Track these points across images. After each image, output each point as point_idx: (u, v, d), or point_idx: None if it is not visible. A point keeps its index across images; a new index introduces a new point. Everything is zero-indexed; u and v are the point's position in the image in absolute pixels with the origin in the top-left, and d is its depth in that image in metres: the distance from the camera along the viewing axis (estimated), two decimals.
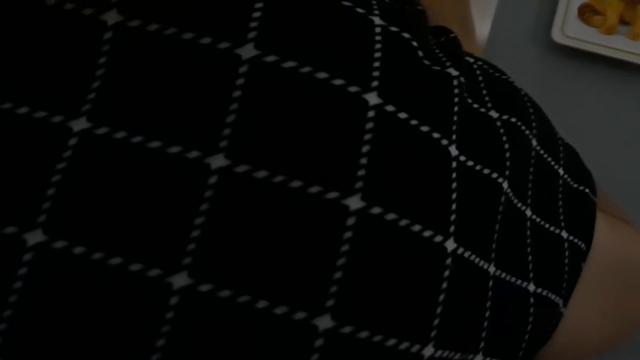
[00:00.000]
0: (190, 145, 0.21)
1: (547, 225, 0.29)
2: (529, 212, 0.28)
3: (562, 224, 0.30)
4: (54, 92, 0.21)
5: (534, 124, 0.29)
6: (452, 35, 0.29)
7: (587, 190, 0.33)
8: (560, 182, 0.31)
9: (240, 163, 0.21)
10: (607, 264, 0.33)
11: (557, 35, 0.58)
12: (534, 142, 0.29)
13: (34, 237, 0.20)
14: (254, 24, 0.22)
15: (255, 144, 0.21)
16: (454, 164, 0.24)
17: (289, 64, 0.22)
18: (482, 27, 0.59)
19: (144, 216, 0.21)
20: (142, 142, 0.21)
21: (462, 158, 0.24)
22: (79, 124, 0.21)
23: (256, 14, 0.22)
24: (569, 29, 0.58)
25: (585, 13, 0.58)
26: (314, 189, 0.21)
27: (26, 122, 0.21)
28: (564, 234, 0.30)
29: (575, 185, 0.32)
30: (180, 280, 0.20)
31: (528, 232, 0.28)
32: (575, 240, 0.31)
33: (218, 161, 0.21)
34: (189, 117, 0.21)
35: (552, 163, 0.31)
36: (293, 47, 0.22)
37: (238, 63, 0.22)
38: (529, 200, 0.28)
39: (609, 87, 0.59)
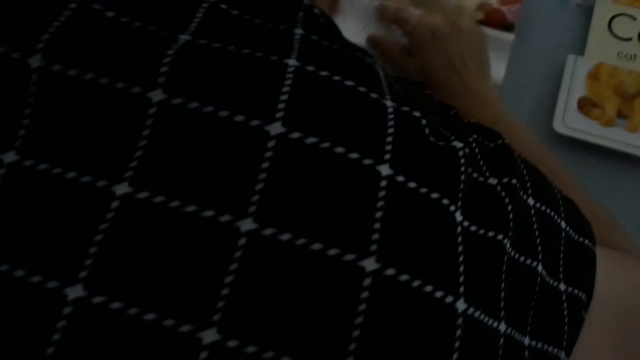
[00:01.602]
0: (222, 209, 0.23)
1: (548, 279, 0.30)
2: (540, 268, 0.29)
3: (561, 276, 0.31)
4: (100, 160, 0.23)
5: (528, 184, 0.31)
6: (453, 112, 0.32)
7: (587, 241, 0.34)
8: (563, 234, 0.32)
9: (267, 227, 0.23)
10: (611, 304, 0.34)
11: (558, 126, 0.60)
12: (531, 200, 0.31)
13: (74, 292, 0.22)
14: (282, 105, 0.25)
15: (280, 210, 0.23)
16: (459, 229, 0.26)
17: (311, 140, 0.24)
18: None
19: (180, 275, 0.22)
20: (178, 206, 0.23)
21: (466, 223, 0.26)
22: (122, 189, 0.23)
23: (284, 97, 0.25)
24: (570, 120, 0.61)
25: (585, 106, 0.61)
26: (333, 252, 0.23)
27: (74, 186, 0.23)
28: (562, 287, 0.31)
29: (576, 237, 0.33)
30: (209, 336, 0.22)
31: (537, 288, 0.29)
32: (575, 292, 0.32)
33: (247, 225, 0.23)
34: (223, 185, 0.23)
35: (554, 216, 0.32)
36: (314, 127, 0.25)
37: (267, 138, 0.24)
38: (539, 256, 0.29)
39: (608, 177, 0.61)
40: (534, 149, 0.49)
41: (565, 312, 0.31)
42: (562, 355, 0.30)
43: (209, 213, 0.23)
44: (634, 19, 0.64)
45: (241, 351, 0.22)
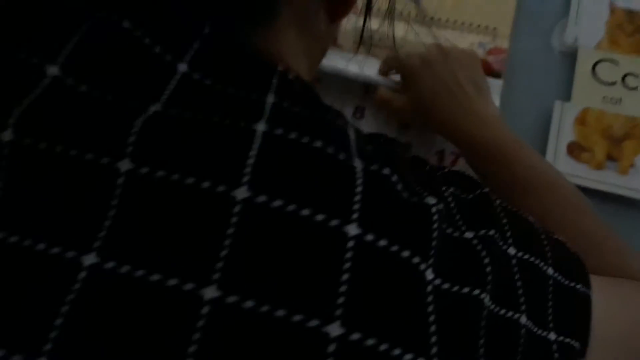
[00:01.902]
0: (186, 277, 0.23)
1: (535, 330, 0.30)
2: (523, 319, 0.29)
3: (550, 325, 0.31)
4: (69, 232, 0.24)
5: (509, 233, 0.31)
6: (428, 167, 0.32)
7: (578, 285, 0.33)
8: (551, 281, 0.32)
9: (231, 294, 0.23)
10: (613, 341, 0.34)
11: None
12: (512, 250, 0.30)
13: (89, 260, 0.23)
14: (248, 169, 0.25)
15: (244, 277, 0.23)
16: (430, 287, 0.25)
17: (277, 203, 0.24)
18: None
19: (144, 345, 0.23)
20: (143, 275, 0.23)
21: (438, 281, 0.26)
22: (89, 259, 0.23)
23: (250, 161, 0.25)
24: (560, 165, 0.61)
25: (574, 150, 0.62)
26: (297, 318, 0.23)
27: (43, 257, 0.23)
28: (552, 336, 0.30)
29: (566, 282, 0.33)
30: None
31: (522, 340, 0.28)
32: (567, 340, 0.31)
33: (211, 293, 0.23)
34: (188, 252, 0.24)
35: (539, 264, 0.32)
36: (280, 189, 0.25)
37: (233, 204, 0.24)
38: (522, 307, 0.29)
39: (603, 220, 0.61)
40: (543, 171, 0.49)
41: None
42: None
43: (173, 281, 0.23)
44: (617, 63, 0.66)
45: None
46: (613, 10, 0.69)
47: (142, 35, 0.27)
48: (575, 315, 0.32)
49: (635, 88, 0.64)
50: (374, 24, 0.39)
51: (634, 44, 0.67)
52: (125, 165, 0.24)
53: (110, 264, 0.23)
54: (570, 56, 0.67)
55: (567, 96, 0.65)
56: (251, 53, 0.29)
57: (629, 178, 0.60)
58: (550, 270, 0.32)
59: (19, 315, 0.23)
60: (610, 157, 0.62)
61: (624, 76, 0.65)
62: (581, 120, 0.63)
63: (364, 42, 0.40)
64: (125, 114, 0.25)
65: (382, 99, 0.62)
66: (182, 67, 0.27)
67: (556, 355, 0.30)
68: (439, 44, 0.57)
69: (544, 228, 0.35)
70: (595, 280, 0.35)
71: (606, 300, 0.34)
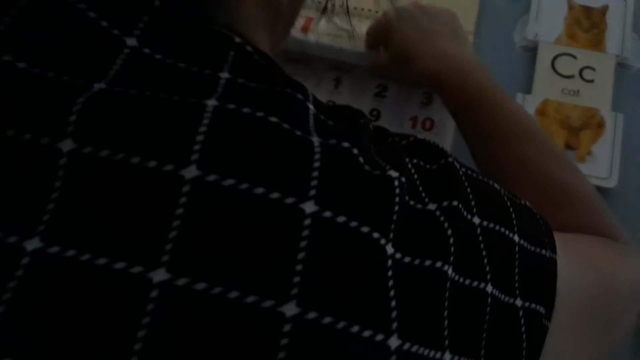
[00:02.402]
0: (133, 260, 0.22)
1: (502, 297, 0.29)
2: (489, 288, 0.28)
3: (517, 292, 0.30)
4: (9, 216, 0.23)
5: (473, 202, 0.30)
6: (391, 139, 0.31)
7: (543, 251, 0.33)
8: (517, 248, 0.31)
9: (180, 277, 0.22)
10: (579, 298, 0.34)
11: None
12: (476, 219, 0.30)
13: (33, 245, 0.22)
14: (197, 147, 0.24)
15: (194, 258, 0.22)
16: (389, 262, 0.25)
17: (228, 182, 0.23)
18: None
19: (91, 333, 0.22)
20: (89, 259, 0.22)
21: (398, 255, 0.25)
22: (33, 244, 0.22)
23: (199, 138, 0.24)
24: None
25: None
26: (251, 299, 0.22)
27: None
28: (518, 302, 0.30)
29: (532, 249, 0.32)
30: None
31: (488, 309, 0.28)
32: (533, 306, 0.31)
33: (160, 276, 0.22)
34: (135, 234, 0.23)
35: (505, 231, 0.31)
36: (232, 167, 0.24)
37: (181, 183, 0.23)
38: (488, 276, 0.29)
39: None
40: (522, 119, 0.49)
41: (523, 329, 0.30)
42: None
43: (120, 265, 0.22)
44: (575, 57, 0.69)
45: None
46: (571, 6, 0.72)
47: (86, 9, 0.26)
48: (541, 281, 0.32)
49: (591, 81, 0.68)
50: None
51: (591, 39, 0.70)
52: (67, 145, 0.23)
53: (54, 249, 0.22)
54: (531, 51, 0.70)
55: (528, 89, 0.68)
56: (205, 26, 0.28)
57: (586, 165, 0.63)
58: (515, 238, 0.31)
59: None
60: (568, 146, 0.65)
61: (581, 69, 0.68)
62: (541, 111, 0.66)
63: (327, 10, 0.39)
64: (68, 92, 0.24)
65: (371, 67, 0.62)
66: (131, 42, 0.26)
67: (522, 320, 0.30)
68: (416, 1, 0.58)
69: (510, 193, 0.34)
70: (561, 243, 0.34)
71: (572, 263, 0.34)
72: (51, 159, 0.23)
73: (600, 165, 0.63)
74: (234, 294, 0.22)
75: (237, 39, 0.28)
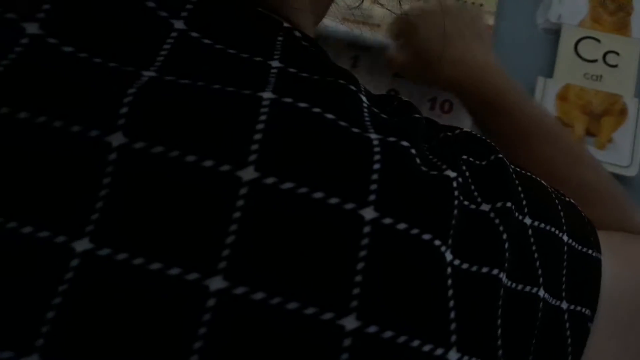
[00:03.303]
0: (189, 267, 0.21)
1: (551, 300, 0.28)
2: (541, 292, 0.27)
3: (563, 294, 0.29)
4: (58, 214, 0.21)
5: (524, 202, 0.29)
6: (442, 134, 0.29)
7: (590, 251, 0.32)
8: (565, 249, 0.30)
9: (238, 285, 0.21)
10: (619, 302, 0.33)
11: None
12: (528, 220, 0.28)
13: (82, 245, 0.21)
14: (255, 146, 0.22)
15: (252, 266, 0.21)
16: (449, 270, 0.24)
17: (287, 185, 0.22)
18: None
19: (144, 342, 0.21)
20: (143, 264, 0.21)
21: (457, 262, 0.24)
22: (82, 245, 0.21)
23: (257, 136, 0.23)
24: None
25: None
26: (310, 311, 0.21)
27: (30, 241, 0.21)
28: (564, 305, 0.29)
29: (580, 248, 0.31)
30: None
31: (540, 314, 0.27)
32: (578, 309, 0.30)
33: (217, 283, 0.21)
34: (190, 239, 0.21)
35: (555, 231, 0.30)
36: (291, 170, 0.22)
37: (239, 185, 0.22)
38: (540, 280, 0.28)
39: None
40: (544, 120, 0.49)
41: (568, 332, 0.29)
42: None
43: (175, 271, 0.21)
44: (599, 41, 0.67)
45: None
46: None
47: None
48: (586, 282, 0.31)
49: (615, 66, 0.66)
50: None
51: (616, 23, 0.68)
52: (117, 139, 0.22)
53: (105, 251, 0.21)
54: (554, 33, 0.69)
55: (549, 73, 0.66)
56: (253, 8, 0.27)
57: (606, 153, 0.62)
58: (565, 237, 0.30)
59: (7, 308, 0.20)
60: (589, 133, 0.64)
61: (605, 54, 0.66)
62: (562, 96, 0.65)
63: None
64: (117, 80, 0.23)
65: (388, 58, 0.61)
66: (179, 25, 0.25)
67: (567, 324, 0.29)
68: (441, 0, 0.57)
69: (555, 189, 0.33)
70: (602, 242, 0.33)
71: (613, 261, 0.33)
72: (100, 153, 0.21)
73: (620, 153, 0.62)
74: (293, 305, 0.21)
75: (286, 24, 0.27)
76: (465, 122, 0.62)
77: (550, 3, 0.70)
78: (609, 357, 0.32)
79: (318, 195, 0.22)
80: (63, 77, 0.22)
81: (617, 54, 0.66)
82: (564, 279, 0.30)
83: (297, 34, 0.27)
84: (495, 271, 0.25)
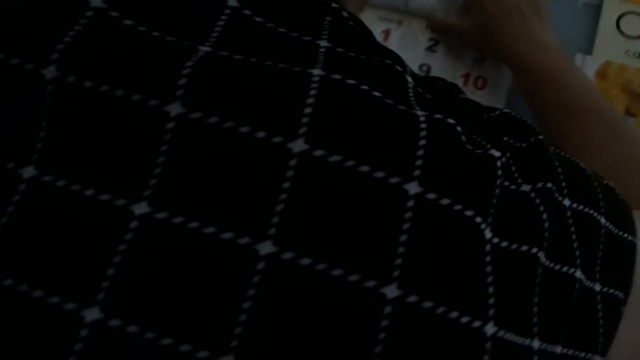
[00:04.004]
0: (241, 231, 0.22)
1: (586, 282, 0.29)
2: (578, 274, 0.28)
3: (597, 275, 0.30)
4: (118, 178, 0.23)
5: (564, 183, 0.29)
6: (489, 114, 0.30)
7: (626, 235, 0.32)
8: (603, 231, 0.31)
9: (287, 251, 0.22)
10: None
11: None
12: (567, 201, 0.29)
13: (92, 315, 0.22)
14: (305, 120, 0.23)
15: (300, 233, 0.23)
16: (488, 247, 0.24)
17: (335, 158, 0.23)
18: None
19: (195, 298, 0.22)
20: (197, 227, 0.22)
21: (496, 240, 0.25)
22: (140, 208, 0.22)
23: (307, 110, 0.24)
24: None
25: None
26: (354, 278, 0.22)
27: (93, 204, 0.22)
28: (597, 287, 0.30)
29: (617, 232, 0.32)
30: None
31: (576, 295, 0.28)
32: (611, 291, 0.30)
33: (267, 248, 0.22)
34: (243, 206, 0.23)
35: (593, 214, 0.30)
36: (339, 143, 0.24)
37: (289, 156, 0.23)
38: (577, 261, 0.28)
39: None
40: (591, 96, 0.50)
41: (600, 314, 0.29)
42: (597, 357, 0.29)
43: (227, 235, 0.22)
44: None
45: None
46: None
47: None
48: (621, 266, 0.32)
49: None
50: None
51: None
52: (175, 109, 0.23)
53: (162, 214, 0.22)
54: (595, 8, 0.66)
55: (589, 49, 0.64)
56: None
57: None
58: (602, 220, 0.31)
59: (72, 263, 0.22)
60: (628, 112, 0.61)
61: None
62: (602, 74, 0.63)
63: None
64: (176, 53, 0.24)
65: (439, 23, 0.63)
66: (232, 2, 0.26)
67: (599, 306, 0.29)
68: None
69: (595, 172, 0.34)
70: (637, 222, 0.34)
71: None
72: (159, 122, 0.23)
73: None
74: (337, 272, 0.22)
75: (334, 4, 0.28)
76: (499, 99, 0.61)
77: None
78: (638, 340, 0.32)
79: (364, 168, 0.23)
80: (124, 49, 0.24)
81: None
82: (599, 261, 0.30)
83: (345, 14, 0.28)
84: (534, 250, 0.26)
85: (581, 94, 0.50)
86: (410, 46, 0.64)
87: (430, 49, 0.63)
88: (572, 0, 0.67)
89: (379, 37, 0.64)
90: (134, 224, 0.22)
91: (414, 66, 0.63)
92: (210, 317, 0.22)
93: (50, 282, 0.22)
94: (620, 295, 0.31)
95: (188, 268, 0.22)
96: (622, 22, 0.64)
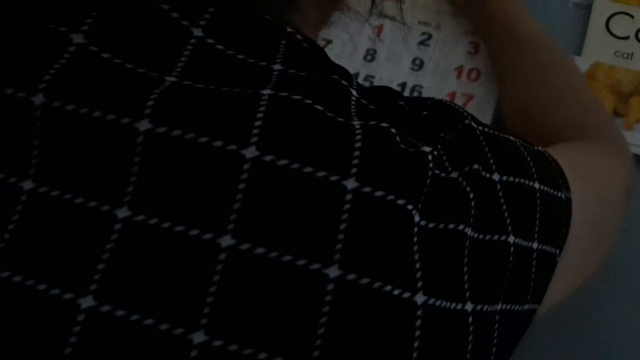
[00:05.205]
0: (205, 228, 0.26)
1: (524, 243, 0.33)
2: (511, 238, 0.32)
3: (535, 235, 0.34)
4: (101, 184, 0.27)
5: (491, 160, 0.33)
6: (424, 113, 0.34)
7: (560, 194, 0.37)
8: (538, 194, 0.35)
9: (244, 242, 0.26)
10: (585, 224, 0.38)
11: None
12: (496, 176, 0.33)
13: (87, 302, 0.26)
14: (256, 131, 0.27)
15: (255, 227, 0.27)
16: (415, 229, 0.28)
17: (282, 162, 0.27)
18: None
19: (168, 286, 0.26)
20: (170, 227, 0.26)
21: (423, 222, 0.29)
22: (122, 213, 0.26)
23: (257, 123, 0.28)
24: None
25: None
26: (301, 262, 0.27)
27: (82, 210, 0.26)
28: (535, 245, 0.34)
29: (551, 191, 0.36)
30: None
31: (511, 257, 0.32)
32: (546, 248, 0.35)
33: (227, 241, 0.26)
34: (204, 207, 0.27)
35: (525, 182, 0.34)
36: (285, 149, 0.28)
37: (243, 161, 0.27)
38: (509, 228, 0.32)
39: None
40: (539, 35, 0.57)
41: (533, 269, 0.34)
42: (531, 306, 0.34)
43: (194, 232, 0.26)
44: (632, 17, 0.65)
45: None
46: None
47: (161, 1, 0.30)
48: (558, 222, 0.36)
49: None
50: None
51: None
52: (143, 125, 0.27)
53: (140, 217, 0.26)
54: (585, 8, 0.66)
55: (578, 50, 0.64)
56: (262, 15, 0.32)
57: (634, 134, 0.60)
58: (536, 185, 0.35)
59: (69, 261, 0.26)
60: (616, 113, 0.62)
61: (638, 30, 0.64)
62: (591, 75, 0.63)
63: None
64: (145, 82, 0.28)
65: None
66: (197, 32, 0.30)
67: (534, 262, 0.34)
68: None
69: (525, 140, 0.37)
70: (570, 174, 0.38)
71: (579, 193, 0.38)
72: (130, 136, 0.27)
73: None
74: (287, 258, 0.26)
75: (289, 28, 0.32)
76: (493, 90, 0.61)
77: None
78: (573, 271, 0.38)
79: (308, 169, 0.27)
80: (101, 79, 0.28)
81: None
82: (537, 222, 0.34)
83: (299, 37, 0.32)
84: (461, 226, 0.30)
85: (528, 31, 0.57)
86: (402, 41, 0.64)
87: (423, 43, 0.63)
88: (563, 0, 0.68)
89: (372, 32, 0.64)
90: (118, 226, 0.26)
91: (407, 61, 0.63)
92: (183, 300, 0.26)
93: (53, 276, 0.26)
94: (556, 251, 0.35)
95: (164, 261, 0.26)
96: (611, 22, 0.65)
